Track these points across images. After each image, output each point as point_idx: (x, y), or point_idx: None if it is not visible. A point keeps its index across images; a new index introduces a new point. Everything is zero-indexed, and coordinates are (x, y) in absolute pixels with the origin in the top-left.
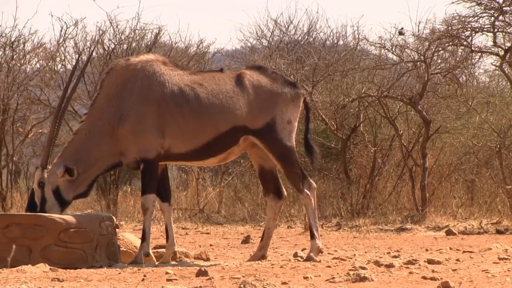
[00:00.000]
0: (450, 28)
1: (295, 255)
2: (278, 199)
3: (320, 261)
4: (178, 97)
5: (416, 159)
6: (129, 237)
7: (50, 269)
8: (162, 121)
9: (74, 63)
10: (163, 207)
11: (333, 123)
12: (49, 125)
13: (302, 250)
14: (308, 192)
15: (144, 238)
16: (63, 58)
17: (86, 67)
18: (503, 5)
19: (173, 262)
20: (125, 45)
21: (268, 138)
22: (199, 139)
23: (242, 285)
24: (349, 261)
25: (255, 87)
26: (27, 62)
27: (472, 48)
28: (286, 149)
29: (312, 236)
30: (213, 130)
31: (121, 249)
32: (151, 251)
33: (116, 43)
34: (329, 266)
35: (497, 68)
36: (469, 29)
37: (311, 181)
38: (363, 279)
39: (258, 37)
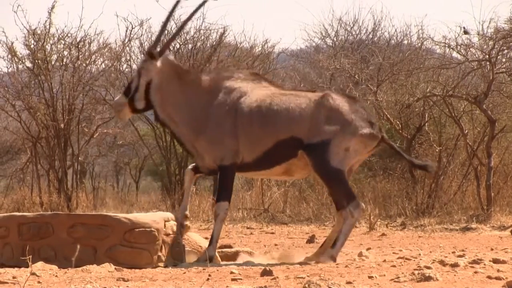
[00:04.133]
0: None
1: (360, 254)
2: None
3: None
4: (252, 109)
5: (481, 158)
6: (194, 237)
7: (115, 269)
8: (237, 131)
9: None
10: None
11: (398, 122)
12: (114, 125)
13: (367, 249)
14: (352, 210)
15: (211, 242)
16: (128, 58)
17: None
18: None
19: (239, 262)
20: (190, 45)
21: (315, 154)
22: (260, 147)
23: (307, 285)
24: (414, 260)
25: (331, 109)
26: (92, 62)
27: None
28: (331, 170)
29: (333, 245)
30: (273, 138)
31: (186, 249)
32: (217, 254)
33: (181, 43)
34: (394, 266)
35: None
36: None
37: (360, 202)
38: (428, 278)
39: (322, 37)
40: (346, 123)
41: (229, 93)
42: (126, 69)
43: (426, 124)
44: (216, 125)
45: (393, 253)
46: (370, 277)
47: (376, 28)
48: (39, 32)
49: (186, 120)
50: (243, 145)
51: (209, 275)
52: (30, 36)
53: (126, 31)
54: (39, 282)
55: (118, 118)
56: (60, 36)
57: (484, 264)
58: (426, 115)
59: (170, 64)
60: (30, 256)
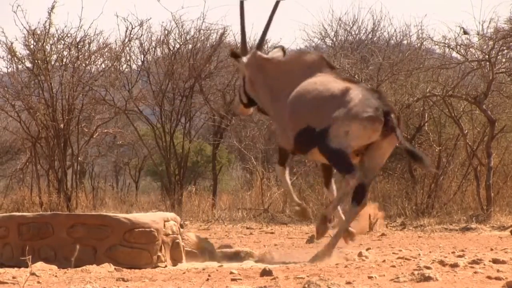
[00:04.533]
0: None
1: (360, 254)
2: (356, 204)
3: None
4: (292, 94)
5: (481, 158)
6: (193, 237)
7: (115, 269)
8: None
9: (139, 63)
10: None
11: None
12: (114, 125)
13: (367, 249)
14: (348, 179)
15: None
16: (128, 58)
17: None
18: None
19: (238, 263)
20: (190, 45)
21: (319, 141)
22: (291, 133)
23: (306, 285)
24: (414, 260)
25: (344, 98)
26: (92, 62)
27: None
28: (332, 150)
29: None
30: (296, 126)
31: (185, 249)
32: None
33: (181, 43)
34: (393, 266)
35: None
36: None
37: (357, 172)
38: (428, 278)
39: (322, 37)
40: (349, 109)
41: (303, 76)
42: (126, 69)
43: (426, 124)
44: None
45: (393, 253)
46: (369, 277)
47: (376, 28)
48: (38, 32)
49: (274, 107)
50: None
51: (209, 275)
52: (30, 36)
53: (126, 31)
54: (38, 282)
55: (239, 114)
56: (60, 36)
57: (484, 264)
58: (426, 115)
59: (254, 58)
60: (30, 256)
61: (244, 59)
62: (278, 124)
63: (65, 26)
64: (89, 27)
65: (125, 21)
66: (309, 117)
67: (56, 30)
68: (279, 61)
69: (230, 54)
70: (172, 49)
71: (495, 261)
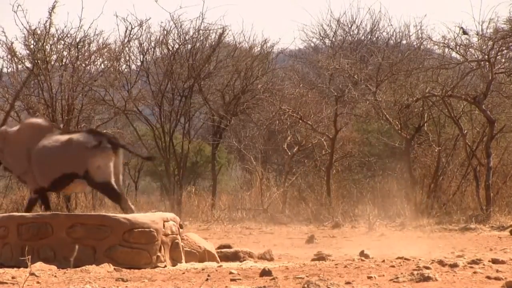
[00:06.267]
0: None
1: (359, 254)
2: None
3: None
4: None
5: (481, 158)
6: (193, 237)
7: (114, 269)
8: None
9: (138, 64)
10: None
11: (397, 122)
12: (114, 125)
13: (366, 250)
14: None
15: None
16: (127, 58)
17: None
18: None
19: (238, 263)
20: (189, 45)
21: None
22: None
23: (306, 285)
24: (413, 261)
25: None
26: (91, 63)
27: None
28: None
29: None
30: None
31: (185, 249)
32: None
33: (180, 43)
34: (393, 266)
35: None
36: None
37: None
38: (427, 278)
39: (321, 37)
40: (87, 153)
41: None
42: (125, 69)
43: (425, 124)
44: None
45: (392, 253)
46: (369, 277)
47: (375, 28)
48: (39, 32)
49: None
50: None
51: (208, 275)
52: (30, 36)
53: (126, 31)
54: (38, 282)
55: None
56: (60, 36)
57: (483, 264)
58: (425, 115)
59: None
60: (29, 256)
61: None
62: (27, 177)
63: (65, 26)
64: (89, 27)
65: (124, 21)
66: (61, 167)
67: (56, 30)
68: (14, 131)
69: None
70: (171, 49)
71: (494, 261)
